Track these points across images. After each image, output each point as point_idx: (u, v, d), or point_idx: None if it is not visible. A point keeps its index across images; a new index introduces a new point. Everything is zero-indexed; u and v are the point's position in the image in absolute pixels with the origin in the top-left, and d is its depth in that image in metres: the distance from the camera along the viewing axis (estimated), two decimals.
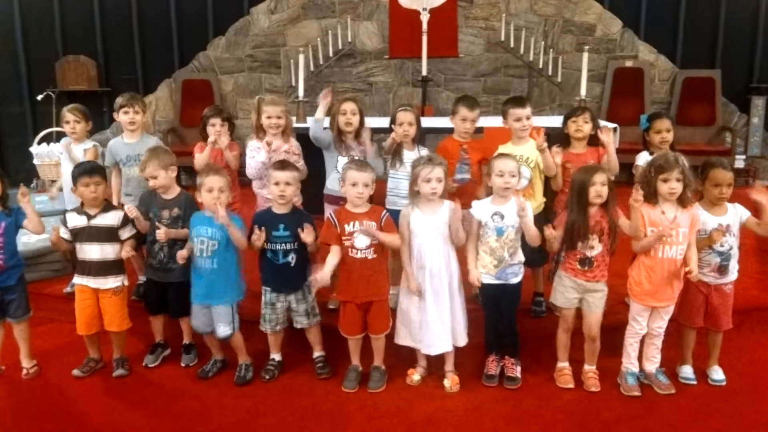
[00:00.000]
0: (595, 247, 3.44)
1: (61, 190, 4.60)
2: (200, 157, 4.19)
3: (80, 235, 3.64)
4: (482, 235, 3.53)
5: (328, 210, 3.89)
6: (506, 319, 3.65)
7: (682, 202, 3.41)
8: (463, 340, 3.61)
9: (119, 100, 4.30)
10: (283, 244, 3.57)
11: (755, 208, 3.41)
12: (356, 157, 3.96)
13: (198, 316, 3.68)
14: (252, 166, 4.09)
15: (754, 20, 8.07)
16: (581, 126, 3.95)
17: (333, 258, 3.47)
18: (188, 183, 7.25)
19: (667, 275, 3.43)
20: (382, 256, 3.53)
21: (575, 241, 3.44)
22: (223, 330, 3.65)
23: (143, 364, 3.88)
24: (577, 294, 3.53)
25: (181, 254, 3.55)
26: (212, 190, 3.52)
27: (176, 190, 3.81)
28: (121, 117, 4.28)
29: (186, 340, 3.97)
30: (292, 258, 3.59)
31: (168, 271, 3.74)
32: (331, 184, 4.06)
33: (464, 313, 3.61)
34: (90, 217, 3.63)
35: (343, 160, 3.99)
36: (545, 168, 3.86)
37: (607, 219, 3.41)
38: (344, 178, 3.52)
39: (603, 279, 3.51)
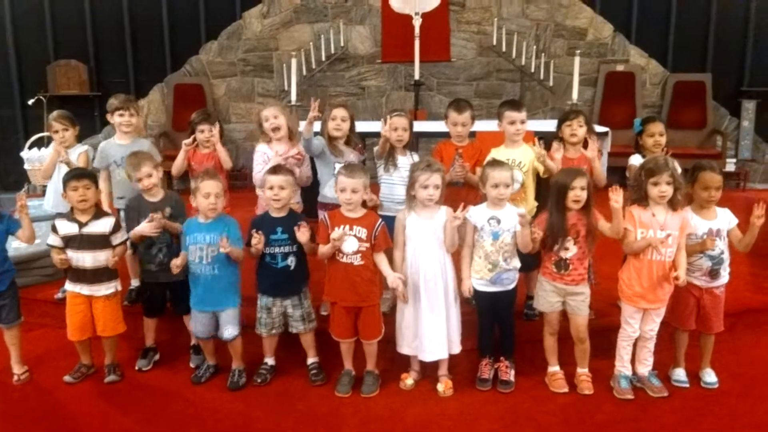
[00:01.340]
0: (570, 249, 3.44)
1: (44, 194, 4.57)
2: (175, 162, 4.22)
3: (72, 242, 3.61)
4: (477, 239, 3.53)
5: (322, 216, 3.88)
6: (503, 323, 3.67)
7: (673, 205, 3.43)
8: (457, 348, 3.61)
9: (114, 102, 4.29)
10: (282, 247, 3.57)
11: (745, 220, 3.42)
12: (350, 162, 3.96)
13: (198, 321, 3.67)
14: (259, 179, 4.09)
15: (745, 24, 8.13)
16: (576, 130, 3.96)
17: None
18: (180, 187, 7.23)
19: (657, 277, 3.44)
20: (369, 263, 3.51)
21: (552, 243, 3.46)
22: (231, 332, 3.65)
23: (136, 367, 3.87)
24: (558, 297, 3.53)
25: (175, 263, 3.52)
26: (209, 196, 3.51)
27: (162, 191, 3.82)
28: (116, 119, 4.28)
29: (194, 342, 3.95)
30: (291, 261, 3.59)
31: (170, 270, 3.68)
32: (329, 192, 4.03)
33: (459, 321, 3.61)
34: (81, 225, 3.61)
35: (340, 167, 3.97)
36: (547, 170, 3.85)
37: (584, 222, 3.43)
38: (336, 182, 3.52)
39: (583, 282, 3.52)
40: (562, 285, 3.50)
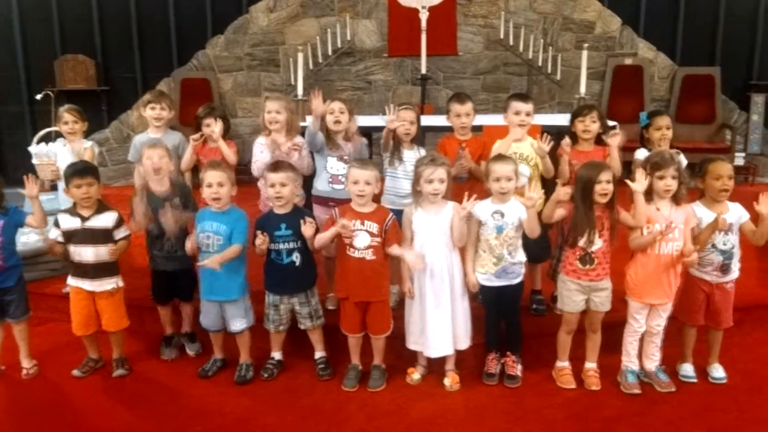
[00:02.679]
0: (595, 242, 3.43)
1: (56, 189, 4.60)
2: (184, 158, 4.28)
3: (74, 237, 3.61)
4: (482, 234, 3.52)
5: (317, 212, 3.90)
6: (510, 318, 3.67)
7: (677, 199, 3.43)
8: (464, 344, 3.60)
9: (147, 96, 4.43)
10: (286, 243, 3.57)
11: (755, 214, 3.40)
12: (345, 157, 3.97)
13: (208, 313, 3.69)
14: (257, 167, 4.11)
15: (754, 17, 8.06)
16: (589, 126, 3.92)
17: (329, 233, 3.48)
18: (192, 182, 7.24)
19: (663, 272, 3.44)
20: (381, 258, 3.52)
21: (577, 237, 3.43)
22: (238, 324, 3.67)
23: (164, 357, 3.94)
24: (583, 296, 3.52)
25: (189, 246, 3.61)
26: (211, 185, 3.54)
27: (168, 181, 3.83)
28: (148, 112, 4.38)
29: (187, 329, 4.04)
30: (296, 257, 3.58)
31: (177, 259, 3.79)
32: (321, 185, 4.05)
33: (467, 316, 3.60)
34: (84, 219, 3.61)
35: (332, 161, 3.99)
36: (544, 171, 3.84)
37: (608, 215, 3.41)
38: (347, 176, 3.52)
39: (606, 276, 3.50)
40: (586, 282, 3.48)
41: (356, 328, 3.62)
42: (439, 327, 3.50)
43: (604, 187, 3.34)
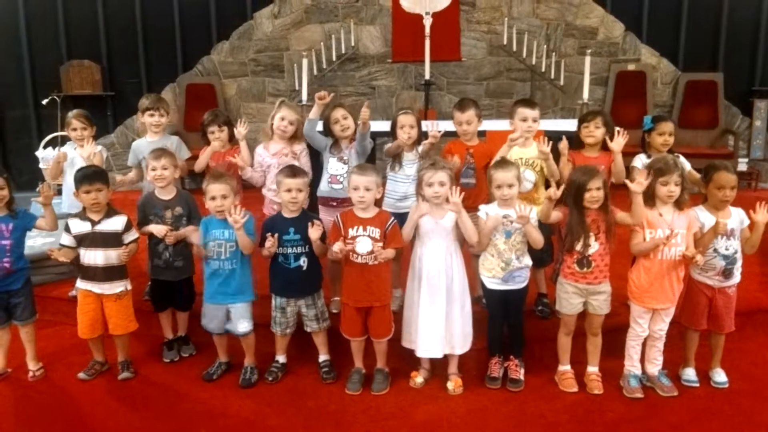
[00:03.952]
0: (592, 246, 3.44)
1: (60, 193, 4.62)
2: (199, 161, 4.35)
3: (84, 241, 3.66)
4: (491, 238, 3.54)
5: (322, 213, 3.97)
6: (514, 321, 3.68)
7: (679, 204, 3.44)
8: (461, 348, 3.60)
9: (145, 102, 4.44)
10: (294, 248, 3.60)
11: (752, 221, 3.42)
12: (345, 157, 4.04)
13: (212, 317, 3.72)
14: (249, 177, 4.21)
15: (756, 23, 8.08)
16: (592, 131, 3.92)
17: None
18: (191, 186, 7.28)
19: (667, 276, 3.45)
20: (384, 262, 3.54)
21: (573, 242, 3.45)
22: (245, 326, 3.71)
23: (164, 359, 3.98)
24: (580, 298, 3.53)
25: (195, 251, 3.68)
26: (215, 198, 3.58)
27: (174, 189, 3.91)
28: (146, 119, 4.42)
29: (181, 333, 4.11)
30: (303, 261, 3.61)
31: (175, 269, 3.86)
32: (322, 186, 4.14)
33: (467, 320, 3.60)
34: (94, 223, 3.65)
35: (332, 161, 4.08)
36: (549, 174, 3.86)
37: (603, 218, 3.43)
38: (348, 182, 3.55)
39: (605, 280, 3.52)
40: (584, 285, 3.49)
41: (357, 332, 3.64)
42: (430, 328, 3.50)
43: (593, 194, 3.35)
